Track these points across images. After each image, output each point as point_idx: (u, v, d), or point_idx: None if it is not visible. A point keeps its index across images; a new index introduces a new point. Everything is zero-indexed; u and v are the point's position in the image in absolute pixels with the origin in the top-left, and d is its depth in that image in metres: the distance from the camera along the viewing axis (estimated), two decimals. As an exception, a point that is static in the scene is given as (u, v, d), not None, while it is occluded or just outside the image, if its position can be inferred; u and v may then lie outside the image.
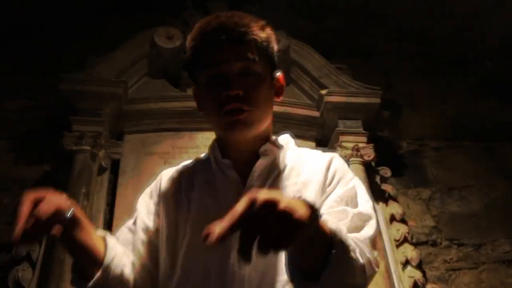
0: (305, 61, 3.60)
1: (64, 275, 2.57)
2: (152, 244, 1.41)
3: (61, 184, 2.95)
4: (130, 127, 3.32)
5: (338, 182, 1.37)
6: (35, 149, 3.24)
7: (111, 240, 1.37)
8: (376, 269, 1.21)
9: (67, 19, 3.96)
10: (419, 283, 2.90)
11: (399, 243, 3.01)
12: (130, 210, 1.53)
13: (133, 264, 1.39)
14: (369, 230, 1.25)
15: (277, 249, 0.89)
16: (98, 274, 1.28)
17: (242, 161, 1.40)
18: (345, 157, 3.13)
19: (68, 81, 3.22)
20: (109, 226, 2.89)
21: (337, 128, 3.30)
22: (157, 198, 1.46)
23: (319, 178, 1.37)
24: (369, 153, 3.19)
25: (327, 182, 1.37)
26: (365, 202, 1.34)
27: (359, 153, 3.16)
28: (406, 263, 2.94)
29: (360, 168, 3.13)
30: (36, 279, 2.68)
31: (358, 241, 1.16)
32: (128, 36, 3.72)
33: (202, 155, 1.56)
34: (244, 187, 1.36)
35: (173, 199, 1.42)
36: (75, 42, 3.87)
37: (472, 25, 4.07)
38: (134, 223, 1.46)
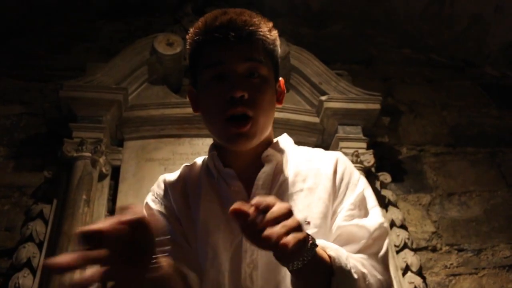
0: (305, 67, 3.61)
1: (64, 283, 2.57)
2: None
3: (62, 190, 2.97)
4: (131, 133, 3.32)
5: (347, 187, 1.32)
6: (35, 155, 3.25)
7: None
8: (389, 285, 1.20)
9: (61, 21, 3.98)
10: (419, 289, 2.91)
11: (399, 249, 3.01)
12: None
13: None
14: (382, 249, 1.24)
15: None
16: None
17: (245, 168, 1.34)
18: (345, 163, 3.13)
19: (68, 88, 3.23)
20: (109, 232, 2.89)
21: (337, 134, 3.30)
22: (165, 204, 1.37)
23: (327, 184, 1.32)
24: (369, 159, 3.19)
25: (336, 187, 1.32)
26: (374, 207, 1.32)
27: (359, 159, 3.17)
28: (406, 269, 2.93)
29: (360, 174, 3.12)
30: (37, 286, 2.67)
31: (367, 263, 1.16)
32: (124, 40, 3.75)
33: (204, 157, 1.47)
34: (248, 196, 1.29)
35: (177, 206, 1.35)
36: (69, 45, 3.89)
37: (473, 32, 4.09)
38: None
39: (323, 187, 1.32)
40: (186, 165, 1.47)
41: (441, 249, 3.22)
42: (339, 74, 3.67)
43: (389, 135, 3.62)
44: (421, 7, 4.13)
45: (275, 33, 1.35)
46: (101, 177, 3.11)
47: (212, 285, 1.25)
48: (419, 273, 2.95)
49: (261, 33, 1.28)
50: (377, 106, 3.42)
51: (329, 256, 1.07)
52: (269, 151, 1.34)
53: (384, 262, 1.23)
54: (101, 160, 3.07)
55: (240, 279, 1.22)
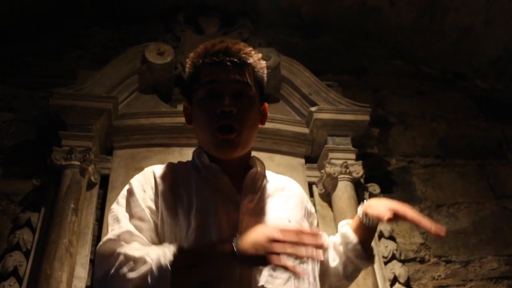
0: (295, 78, 3.62)
1: (51, 291, 2.56)
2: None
3: (50, 199, 2.96)
4: (120, 142, 3.32)
5: (311, 213, 1.68)
6: (23, 163, 3.23)
7: None
8: None
9: (53, 29, 3.98)
10: (407, 301, 2.91)
11: (387, 260, 3.01)
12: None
13: None
14: None
15: None
16: None
17: (230, 172, 1.49)
18: (334, 173, 3.14)
19: (58, 96, 3.22)
20: (97, 241, 2.88)
21: (326, 145, 3.31)
22: (152, 192, 1.46)
23: (298, 201, 1.62)
24: (358, 170, 3.20)
25: (305, 208, 1.64)
26: None
27: (348, 170, 3.17)
28: (394, 280, 2.93)
29: (349, 185, 3.14)
30: (23, 295, 2.67)
31: None
32: (115, 48, 3.75)
33: (187, 160, 1.65)
34: (236, 189, 1.48)
35: (172, 193, 1.45)
36: (61, 53, 3.90)
37: (463, 45, 4.13)
38: (140, 219, 1.40)
39: (296, 202, 1.60)
40: (171, 162, 1.63)
41: (429, 260, 3.22)
42: (330, 85, 3.68)
43: (379, 146, 3.63)
44: (412, 19, 4.16)
45: (263, 62, 1.58)
46: (90, 185, 3.10)
47: None
48: (407, 284, 2.96)
49: (252, 61, 1.51)
50: (366, 117, 3.43)
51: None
52: (254, 159, 1.59)
53: None
54: (90, 168, 3.06)
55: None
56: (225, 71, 1.46)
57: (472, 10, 3.89)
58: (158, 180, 1.48)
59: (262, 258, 1.17)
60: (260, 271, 1.30)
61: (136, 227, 1.38)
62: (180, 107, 3.48)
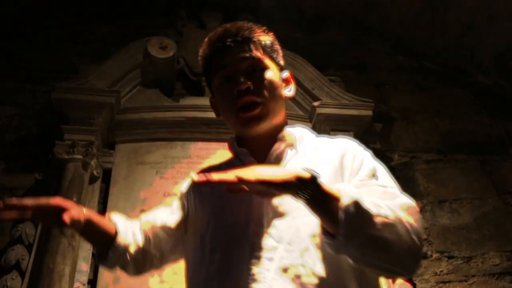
0: (298, 73, 3.61)
1: (53, 285, 2.56)
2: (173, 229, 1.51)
3: (52, 192, 2.95)
4: (122, 136, 3.32)
5: (359, 168, 1.36)
6: (25, 157, 3.23)
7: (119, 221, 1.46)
8: (416, 229, 1.18)
9: (54, 24, 3.97)
10: (410, 296, 2.91)
11: (389, 256, 3.00)
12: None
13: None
14: (402, 199, 1.26)
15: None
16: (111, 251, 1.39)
17: (259, 148, 1.45)
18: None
19: (60, 90, 3.23)
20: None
21: (329, 140, 3.29)
22: (184, 192, 1.55)
23: (334, 164, 1.38)
24: (361, 165, 3.19)
25: (345, 168, 1.37)
26: (392, 187, 1.34)
27: (350, 165, 3.16)
28: (396, 275, 2.93)
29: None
30: (25, 288, 2.67)
31: (388, 203, 1.18)
32: (117, 43, 3.74)
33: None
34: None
35: (201, 190, 1.49)
36: (62, 48, 3.88)
37: (466, 40, 4.11)
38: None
39: (332, 168, 1.37)
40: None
41: (431, 256, 3.22)
42: (332, 80, 3.67)
43: (381, 142, 3.62)
44: (415, 14, 4.15)
45: (271, 35, 1.53)
46: (92, 179, 3.10)
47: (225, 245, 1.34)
48: (410, 279, 2.95)
49: (255, 34, 1.47)
50: (369, 112, 3.42)
51: (338, 190, 1.16)
52: (283, 132, 1.47)
53: (408, 210, 1.22)
54: (92, 162, 3.06)
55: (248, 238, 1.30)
56: (232, 53, 1.44)
57: (475, 5, 3.87)
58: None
59: None
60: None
61: None
62: (183, 102, 3.49)
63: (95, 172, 3.11)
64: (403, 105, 4.03)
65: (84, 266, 2.80)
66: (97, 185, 3.13)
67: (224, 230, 1.35)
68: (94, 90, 3.27)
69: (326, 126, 3.36)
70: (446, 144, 3.83)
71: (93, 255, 2.83)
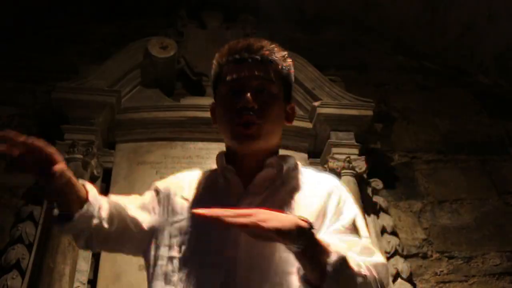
0: (298, 73, 3.59)
1: (54, 284, 2.56)
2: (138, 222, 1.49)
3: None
4: (123, 136, 3.32)
5: (341, 211, 1.42)
6: (26, 156, 3.21)
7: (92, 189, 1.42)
8: (383, 285, 1.28)
9: (54, 24, 3.97)
10: (410, 296, 2.91)
11: (390, 256, 3.00)
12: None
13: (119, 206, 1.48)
14: (377, 258, 1.33)
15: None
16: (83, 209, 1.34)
17: (246, 170, 1.46)
18: (337, 168, 3.14)
19: (60, 90, 3.23)
20: (99, 235, 2.88)
21: (329, 140, 3.30)
22: (160, 194, 1.54)
23: (320, 203, 1.42)
24: (361, 165, 3.19)
25: (328, 210, 1.41)
26: (367, 237, 1.42)
27: (351, 165, 3.17)
28: (396, 275, 2.93)
29: (352, 180, 3.13)
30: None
31: (366, 261, 1.26)
32: (117, 43, 3.74)
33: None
34: (243, 192, 1.43)
35: (175, 198, 1.50)
36: (62, 48, 3.88)
37: (466, 40, 4.12)
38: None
39: (316, 204, 1.41)
40: (209, 170, 1.62)
41: (431, 256, 3.22)
42: (333, 80, 3.67)
43: (382, 142, 3.62)
44: (415, 14, 4.15)
45: (289, 61, 1.54)
46: (92, 179, 3.08)
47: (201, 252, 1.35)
48: (410, 280, 2.95)
49: (275, 57, 1.47)
50: (369, 112, 3.42)
51: (327, 244, 1.19)
52: (273, 158, 1.48)
53: (384, 271, 1.33)
54: (93, 162, 3.06)
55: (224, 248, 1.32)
56: (247, 68, 1.44)
57: (475, 5, 3.87)
58: (171, 184, 1.57)
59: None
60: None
61: None
62: (183, 101, 3.49)
63: (95, 172, 3.10)
64: (403, 105, 4.03)
65: (84, 266, 2.80)
66: (97, 184, 3.10)
67: (197, 250, 1.36)
68: (95, 90, 3.27)
69: (326, 126, 3.36)
70: (446, 144, 3.83)
71: (93, 254, 2.83)
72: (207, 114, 1.67)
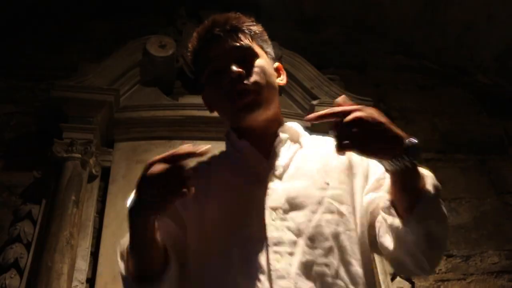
0: (297, 72, 3.61)
1: (52, 283, 2.56)
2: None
3: (51, 191, 2.95)
4: (121, 134, 3.31)
5: (368, 165, 1.40)
6: (24, 155, 3.21)
7: None
8: None
9: (54, 22, 3.96)
10: (408, 294, 2.91)
11: (388, 255, 3.00)
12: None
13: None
14: None
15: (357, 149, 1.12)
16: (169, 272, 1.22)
17: (260, 141, 1.39)
18: (336, 167, 3.14)
19: (59, 88, 3.22)
20: (98, 234, 2.89)
21: (328, 139, 3.29)
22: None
23: (342, 161, 1.38)
24: (360, 164, 3.19)
25: (356, 167, 1.39)
26: None
27: (350, 164, 3.16)
28: (395, 274, 2.93)
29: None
30: (24, 287, 2.66)
31: None
32: (117, 41, 3.74)
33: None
34: (267, 159, 1.37)
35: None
36: (61, 46, 3.87)
37: (466, 40, 4.11)
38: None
39: (340, 163, 1.38)
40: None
41: (430, 254, 3.22)
42: (332, 79, 3.67)
43: (380, 141, 3.61)
44: (414, 13, 4.14)
45: (260, 26, 1.50)
46: (91, 178, 3.09)
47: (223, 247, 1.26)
48: (408, 278, 2.95)
49: (244, 24, 1.44)
50: (368, 111, 3.41)
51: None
52: (285, 126, 1.45)
53: None
54: (91, 161, 3.06)
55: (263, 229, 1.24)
56: (220, 43, 1.40)
57: (475, 4, 3.87)
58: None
59: None
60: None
61: None
62: (182, 100, 3.49)
63: (93, 171, 3.10)
64: (403, 105, 4.03)
65: (82, 265, 2.79)
66: (96, 183, 3.12)
67: (235, 222, 1.27)
68: (93, 88, 3.27)
69: (325, 125, 3.34)
70: (445, 143, 3.83)
71: (91, 253, 2.83)
72: (206, 113, 1.62)
